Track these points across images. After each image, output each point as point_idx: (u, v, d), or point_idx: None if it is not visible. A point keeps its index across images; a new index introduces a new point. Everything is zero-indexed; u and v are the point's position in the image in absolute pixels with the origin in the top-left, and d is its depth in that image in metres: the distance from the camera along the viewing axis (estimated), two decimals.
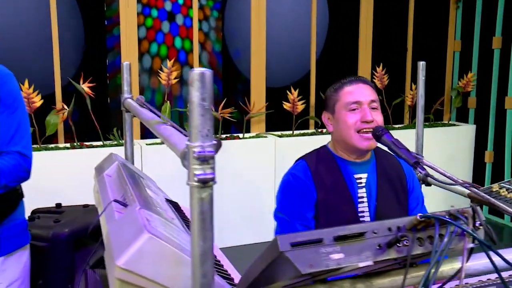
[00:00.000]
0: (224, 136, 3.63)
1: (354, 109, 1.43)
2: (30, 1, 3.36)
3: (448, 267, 0.80)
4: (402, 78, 4.37)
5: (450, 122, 4.49)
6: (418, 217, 0.70)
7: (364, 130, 1.41)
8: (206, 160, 0.64)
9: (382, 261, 0.69)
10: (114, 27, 3.80)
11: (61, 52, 3.42)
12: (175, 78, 3.48)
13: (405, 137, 3.94)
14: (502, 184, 1.67)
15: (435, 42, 4.49)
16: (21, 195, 1.61)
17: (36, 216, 2.10)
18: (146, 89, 3.94)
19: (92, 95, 3.24)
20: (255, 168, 3.52)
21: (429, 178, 1.69)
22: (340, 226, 0.69)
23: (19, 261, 1.57)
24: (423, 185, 1.73)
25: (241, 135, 3.67)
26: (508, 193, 1.59)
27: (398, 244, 0.70)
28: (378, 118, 1.44)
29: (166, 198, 1.52)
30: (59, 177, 2.90)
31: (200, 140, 0.64)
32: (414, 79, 4.35)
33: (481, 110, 4.36)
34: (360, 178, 1.47)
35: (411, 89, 4.25)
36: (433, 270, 0.66)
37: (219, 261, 1.21)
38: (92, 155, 2.97)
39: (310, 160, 1.48)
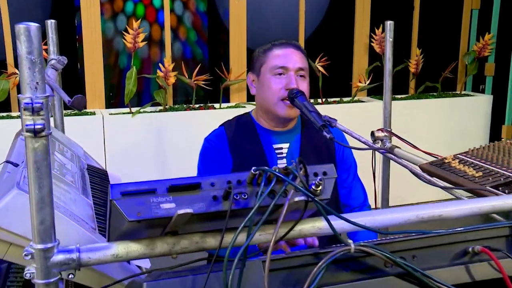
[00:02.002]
0: (197, 106, 3.76)
1: (280, 74, 1.54)
2: None
3: (309, 225, 0.93)
4: (407, 42, 4.43)
5: (463, 92, 4.55)
6: (252, 171, 0.82)
7: (287, 97, 1.52)
8: (36, 111, 0.77)
9: (218, 212, 0.82)
10: None
11: (20, 11, 3.56)
12: (142, 41, 3.60)
13: (409, 108, 4.07)
14: (458, 155, 1.78)
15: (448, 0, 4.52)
16: None
17: None
18: (122, 53, 4.07)
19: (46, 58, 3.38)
20: None
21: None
22: (176, 178, 0.82)
23: None
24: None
25: (217, 105, 3.80)
26: (459, 164, 1.70)
27: (235, 197, 0.83)
28: (303, 87, 1.54)
29: (90, 165, 1.66)
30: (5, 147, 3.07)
31: (29, 92, 0.77)
32: (422, 43, 4.40)
33: (500, 79, 4.40)
34: (281, 149, 1.59)
35: (417, 54, 4.31)
36: (254, 230, 0.78)
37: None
38: None
39: (228, 127, 1.60)
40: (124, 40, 3.62)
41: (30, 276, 0.82)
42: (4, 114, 3.38)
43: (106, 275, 1.05)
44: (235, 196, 0.82)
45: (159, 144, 3.52)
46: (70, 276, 0.84)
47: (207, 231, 0.89)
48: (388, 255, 0.86)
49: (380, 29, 4.05)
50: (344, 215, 0.87)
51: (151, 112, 3.60)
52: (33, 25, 0.76)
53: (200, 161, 1.60)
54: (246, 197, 0.83)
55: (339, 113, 4.04)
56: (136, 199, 0.80)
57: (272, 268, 0.83)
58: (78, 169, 1.45)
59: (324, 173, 0.87)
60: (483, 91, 4.57)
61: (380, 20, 4.14)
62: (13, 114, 3.41)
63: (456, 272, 0.90)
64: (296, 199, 0.82)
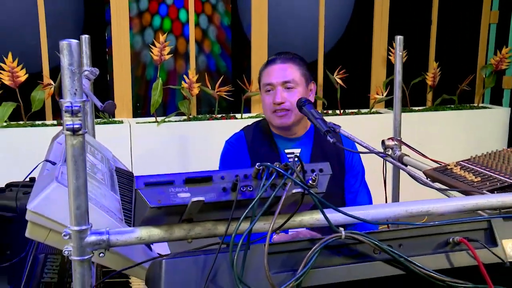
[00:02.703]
0: (219, 116, 3.91)
1: (268, 91, 1.72)
2: None
3: (308, 216, 1.05)
4: (424, 55, 4.51)
5: (481, 104, 4.61)
6: (257, 166, 0.95)
7: (277, 109, 1.69)
8: (74, 113, 0.91)
9: (227, 202, 0.95)
10: None
11: (55, 26, 3.76)
12: (168, 54, 3.78)
13: (426, 120, 4.15)
14: (460, 162, 1.87)
15: (465, 13, 4.59)
16: None
17: (8, 188, 2.44)
18: (149, 65, 4.25)
19: None
20: None
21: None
22: (191, 172, 0.96)
23: None
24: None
25: (238, 115, 3.94)
26: (460, 170, 1.80)
27: (242, 189, 0.96)
28: (292, 97, 1.70)
29: (118, 167, 1.81)
30: (43, 152, 3.26)
31: (69, 97, 0.91)
32: (440, 56, 4.49)
33: None
34: (292, 153, 1.73)
35: (434, 68, 4.39)
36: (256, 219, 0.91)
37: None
38: None
39: (247, 131, 1.76)
40: (151, 53, 3.80)
41: (68, 253, 0.96)
42: (40, 122, 3.58)
43: (130, 259, 1.19)
44: (241, 188, 0.95)
45: (183, 152, 3.68)
46: (101, 255, 0.97)
47: (218, 220, 1.02)
48: (376, 242, 0.98)
49: (402, 43, 4.13)
50: (339, 208, 0.99)
51: (175, 121, 3.77)
52: (74, 42, 0.91)
53: (221, 161, 1.74)
54: (251, 189, 0.96)
55: (357, 124, 4.16)
56: (157, 189, 0.93)
57: (272, 251, 0.95)
58: (107, 169, 1.60)
59: (321, 170, 1.00)
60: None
61: (398, 34, 4.24)
62: (48, 122, 3.61)
63: (438, 259, 1.01)
64: (294, 191, 0.94)
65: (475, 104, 4.61)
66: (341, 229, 0.96)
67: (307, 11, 4.37)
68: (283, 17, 4.37)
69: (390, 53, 4.24)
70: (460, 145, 4.34)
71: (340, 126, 1.44)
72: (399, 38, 2.28)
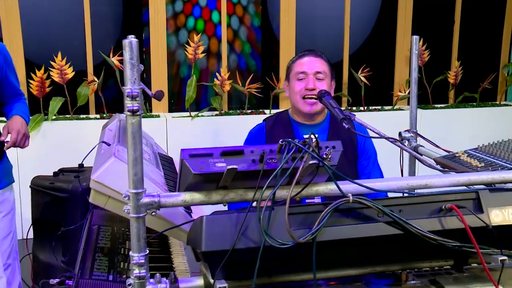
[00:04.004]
0: (249, 111, 4.12)
1: (301, 79, 1.91)
2: None
3: (323, 186, 1.25)
4: (447, 53, 4.63)
5: (503, 102, 4.70)
6: (280, 142, 1.15)
7: (308, 96, 1.88)
8: (134, 97, 1.13)
9: (255, 171, 1.15)
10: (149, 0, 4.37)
11: (98, 27, 4.04)
12: (202, 53, 4.00)
13: (447, 117, 4.27)
14: (468, 151, 2.04)
15: (488, 13, 4.69)
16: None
17: (60, 172, 2.71)
18: (183, 64, 4.50)
19: (121, 68, 3.84)
20: None
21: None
22: (226, 146, 1.16)
23: (10, 196, 2.32)
24: None
25: (267, 111, 4.15)
26: (467, 157, 1.97)
27: (267, 161, 1.16)
28: (321, 86, 1.90)
29: (159, 153, 2.04)
30: (88, 143, 3.53)
31: (130, 85, 1.13)
32: (462, 55, 4.60)
33: None
34: None
35: (456, 66, 4.50)
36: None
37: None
38: None
39: (268, 122, 1.98)
40: (185, 52, 4.03)
41: (127, 211, 1.17)
42: (84, 116, 3.86)
43: (173, 223, 1.41)
44: (267, 160, 1.15)
45: (214, 144, 3.91)
46: (153, 213, 1.19)
47: (247, 187, 1.22)
48: (379, 207, 1.16)
49: (421, 43, 4.28)
50: (348, 178, 1.18)
51: (208, 116, 4.00)
52: (134, 40, 1.12)
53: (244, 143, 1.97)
54: (275, 161, 1.16)
55: (380, 120, 4.31)
56: (199, 159, 1.14)
57: (292, 212, 1.15)
58: (152, 152, 1.83)
59: (333, 147, 1.19)
60: None
61: (421, 34, 4.38)
62: (91, 116, 3.89)
63: (431, 223, 1.19)
64: (310, 162, 1.14)
65: (497, 102, 4.70)
66: (349, 194, 1.15)
67: (333, 13, 4.55)
68: (310, 19, 4.56)
69: None
70: (481, 142, 4.42)
71: (355, 115, 1.62)
72: (415, 38, 2.43)
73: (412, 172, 2.43)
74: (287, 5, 4.32)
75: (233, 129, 3.95)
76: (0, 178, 2.18)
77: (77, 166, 2.86)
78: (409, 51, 4.46)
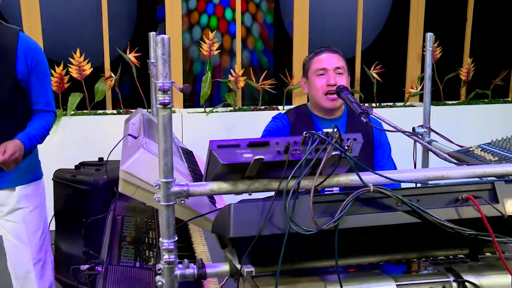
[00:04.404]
0: (263, 107, 4.18)
1: (321, 75, 1.96)
2: None
3: (344, 177, 1.30)
4: (459, 50, 4.65)
5: None
6: (304, 134, 1.20)
7: (329, 92, 1.93)
8: (165, 91, 1.19)
9: (280, 162, 1.21)
10: None
11: (112, 23, 4.11)
12: (217, 50, 4.06)
13: (459, 113, 4.30)
14: (481, 145, 2.08)
15: (500, 11, 4.70)
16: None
17: (81, 166, 2.79)
18: (196, 61, 4.56)
19: (137, 65, 3.91)
20: None
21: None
22: (253, 138, 1.22)
23: (37, 191, 2.31)
24: None
25: (280, 107, 4.20)
26: (481, 151, 2.01)
27: (292, 152, 1.21)
28: (342, 81, 1.95)
29: (180, 146, 2.10)
30: (105, 137, 3.61)
31: (161, 79, 1.18)
32: (474, 52, 4.62)
33: None
34: None
35: (468, 63, 4.53)
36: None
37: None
38: None
39: (290, 114, 2.03)
40: (200, 49, 4.09)
41: (157, 199, 1.23)
42: (101, 111, 3.93)
43: (199, 212, 1.46)
44: (292, 151, 1.20)
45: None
46: (182, 202, 1.24)
47: (272, 178, 1.28)
48: (399, 196, 1.21)
49: (433, 40, 4.30)
50: (369, 169, 1.24)
51: (222, 111, 4.06)
52: (166, 37, 1.18)
53: (265, 132, 2.02)
54: (299, 152, 1.22)
55: (392, 116, 4.29)
56: (227, 150, 1.20)
57: (316, 201, 1.20)
58: (174, 145, 1.89)
59: (354, 139, 1.24)
60: None
61: (433, 31, 4.40)
62: (108, 111, 3.96)
63: (448, 212, 1.24)
64: (333, 153, 1.19)
65: (509, 99, 4.72)
66: (370, 184, 1.21)
67: (345, 10, 4.58)
68: (322, 16, 4.60)
69: (425, 49, 4.40)
70: (493, 138, 4.45)
71: (372, 110, 1.67)
72: (429, 35, 2.48)
73: (425, 165, 2.47)
74: (301, 2, 4.37)
75: (247, 125, 4.01)
76: (24, 172, 2.23)
77: (96, 159, 2.94)
78: (421, 48, 4.50)
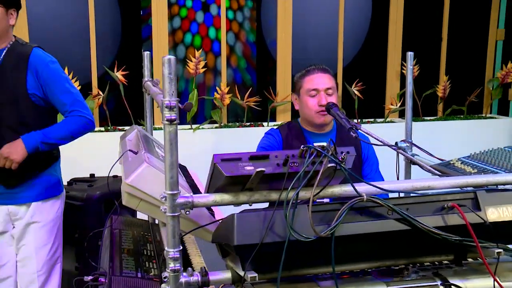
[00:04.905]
0: (248, 123, 4.27)
1: (313, 95, 2.07)
2: None
3: (338, 188, 1.39)
4: (435, 69, 4.83)
5: (488, 115, 4.90)
6: (301, 147, 1.29)
7: (321, 111, 2.04)
8: (172, 108, 1.26)
9: (280, 174, 1.29)
10: (149, 18, 4.52)
11: (98, 42, 4.17)
12: (202, 68, 4.15)
13: (436, 128, 4.45)
14: (461, 158, 2.19)
15: (473, 31, 4.90)
16: (57, 157, 2.36)
17: (73, 182, 2.83)
18: (180, 79, 4.63)
19: (125, 83, 3.96)
20: None
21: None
22: (254, 151, 1.29)
23: (53, 207, 2.36)
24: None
25: (265, 124, 4.29)
26: (461, 164, 2.12)
27: (290, 164, 1.29)
28: (332, 100, 2.05)
29: None
30: (94, 154, 3.65)
31: (168, 97, 1.26)
32: (449, 70, 4.80)
33: None
34: (321, 146, 2.07)
35: (444, 81, 4.70)
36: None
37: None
38: None
39: (282, 129, 2.13)
40: (187, 67, 4.17)
41: (163, 210, 1.30)
42: None
43: (199, 223, 1.53)
44: (290, 164, 1.28)
45: None
46: (187, 213, 1.31)
47: (271, 189, 1.35)
48: (390, 205, 1.30)
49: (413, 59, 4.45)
50: (363, 180, 1.32)
51: (208, 128, 4.13)
52: (172, 58, 1.26)
53: (259, 148, 2.11)
54: (297, 164, 1.30)
55: (373, 132, 4.45)
56: (230, 163, 1.27)
57: (313, 210, 1.28)
58: None
59: (348, 152, 1.33)
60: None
61: (411, 50, 4.56)
62: (95, 129, 3.99)
63: (435, 219, 1.33)
64: (329, 165, 1.27)
65: (483, 115, 4.90)
66: (364, 193, 1.29)
67: (326, 30, 4.73)
68: (305, 34, 4.73)
69: (403, 67, 4.57)
70: (469, 152, 4.61)
71: (360, 125, 1.77)
72: (409, 54, 2.60)
73: (408, 177, 2.58)
74: (284, 22, 4.49)
75: (233, 141, 4.08)
76: (41, 188, 2.30)
77: (87, 176, 2.98)
78: (400, 66, 4.66)
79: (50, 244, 2.38)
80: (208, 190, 1.40)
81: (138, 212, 2.75)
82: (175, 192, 1.29)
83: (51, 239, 2.38)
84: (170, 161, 1.28)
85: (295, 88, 2.19)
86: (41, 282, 2.36)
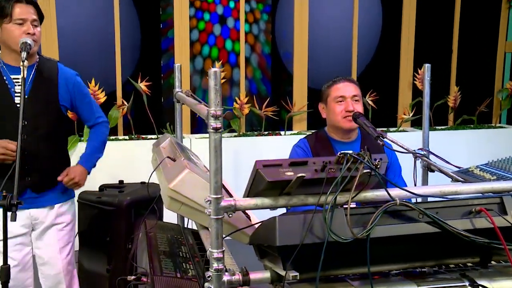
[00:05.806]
0: (266, 132, 4.32)
1: (340, 101, 2.12)
2: (95, 8, 4.24)
3: (370, 193, 1.44)
4: (446, 80, 4.88)
5: (498, 124, 4.93)
6: (338, 154, 1.34)
7: (347, 116, 2.09)
8: (217, 117, 1.32)
9: (318, 179, 1.34)
10: (168, 30, 4.61)
11: (121, 54, 4.26)
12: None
13: (447, 137, 4.49)
14: (479, 166, 2.23)
15: (483, 43, 4.95)
16: (69, 162, 2.53)
17: (104, 188, 2.89)
18: (198, 89, 4.71)
19: (148, 93, 4.04)
20: None
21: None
22: (293, 158, 1.35)
23: (70, 209, 2.49)
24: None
25: (283, 132, 4.35)
26: (480, 171, 2.16)
27: (328, 170, 1.34)
28: (358, 108, 2.11)
29: (204, 165, 2.23)
30: (119, 162, 3.72)
31: (214, 106, 1.32)
32: (460, 81, 4.84)
33: None
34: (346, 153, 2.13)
35: (455, 91, 4.75)
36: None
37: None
38: (147, 145, 3.76)
39: (310, 139, 2.18)
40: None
41: (208, 213, 1.35)
42: (113, 137, 4.04)
43: (236, 226, 1.58)
44: (328, 170, 1.34)
45: (235, 163, 4.09)
46: (230, 215, 1.36)
47: (308, 193, 1.41)
48: (421, 209, 1.35)
49: (423, 69, 4.50)
50: (396, 185, 1.37)
51: (228, 137, 4.19)
52: (218, 70, 1.32)
53: (291, 157, 2.15)
54: (334, 170, 1.35)
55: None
56: (271, 169, 1.33)
57: (350, 213, 1.33)
58: (202, 164, 2.01)
59: (381, 159, 1.38)
60: None
61: (422, 62, 4.60)
62: (120, 137, 4.07)
63: (464, 223, 1.37)
64: (364, 170, 1.32)
65: (493, 124, 4.93)
66: (397, 198, 1.34)
67: (339, 43, 4.79)
68: (318, 46, 4.79)
69: (415, 78, 4.61)
70: (479, 161, 4.64)
71: (386, 133, 1.82)
72: (427, 66, 2.65)
73: (425, 183, 2.63)
74: (300, 34, 4.56)
75: (252, 149, 4.14)
76: (62, 191, 2.38)
77: (116, 182, 3.04)
78: (412, 76, 4.70)
79: (71, 243, 2.47)
80: (248, 194, 1.45)
81: (164, 217, 2.82)
82: (219, 196, 1.34)
83: (71, 238, 2.48)
84: (215, 167, 1.34)
85: (322, 97, 2.26)
86: (68, 281, 2.43)
